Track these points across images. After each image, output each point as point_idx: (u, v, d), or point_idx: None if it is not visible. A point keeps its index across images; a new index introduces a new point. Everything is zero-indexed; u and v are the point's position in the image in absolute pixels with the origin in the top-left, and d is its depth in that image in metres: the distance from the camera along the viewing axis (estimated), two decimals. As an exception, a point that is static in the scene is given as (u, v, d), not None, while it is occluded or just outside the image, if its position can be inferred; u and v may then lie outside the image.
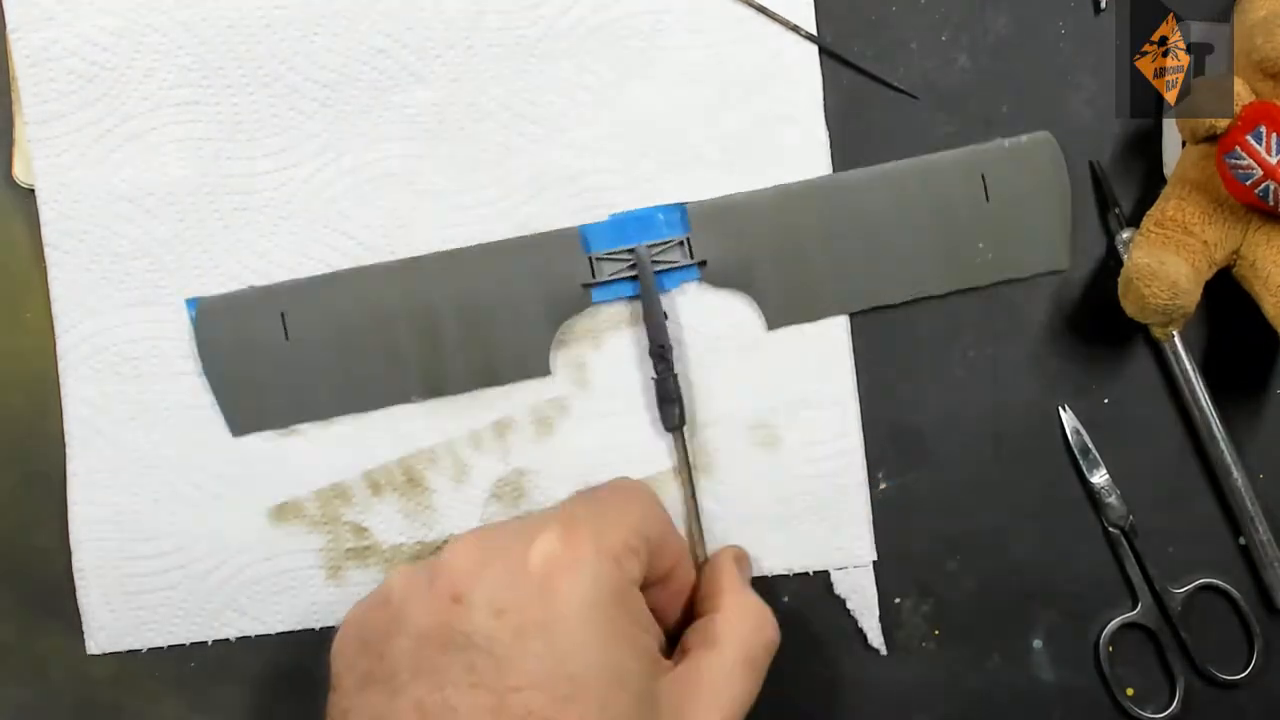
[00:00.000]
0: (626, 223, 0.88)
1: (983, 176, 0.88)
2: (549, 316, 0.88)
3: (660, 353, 0.87)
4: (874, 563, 0.88)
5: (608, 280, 0.88)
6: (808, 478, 0.88)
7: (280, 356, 0.88)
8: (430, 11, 0.87)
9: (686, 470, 0.88)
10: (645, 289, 0.87)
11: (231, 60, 0.87)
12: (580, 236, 0.88)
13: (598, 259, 0.88)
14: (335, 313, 0.88)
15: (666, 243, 0.88)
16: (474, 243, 0.88)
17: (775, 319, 0.88)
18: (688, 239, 0.88)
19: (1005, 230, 0.88)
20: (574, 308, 0.88)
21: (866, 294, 0.88)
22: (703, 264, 0.88)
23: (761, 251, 0.88)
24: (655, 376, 0.87)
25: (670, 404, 0.87)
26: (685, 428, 0.88)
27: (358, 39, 0.87)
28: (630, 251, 0.88)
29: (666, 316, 0.88)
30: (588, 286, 0.88)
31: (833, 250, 0.87)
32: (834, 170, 0.88)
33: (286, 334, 0.88)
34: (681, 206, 0.88)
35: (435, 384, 0.88)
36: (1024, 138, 0.88)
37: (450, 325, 0.87)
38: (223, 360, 0.88)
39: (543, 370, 0.88)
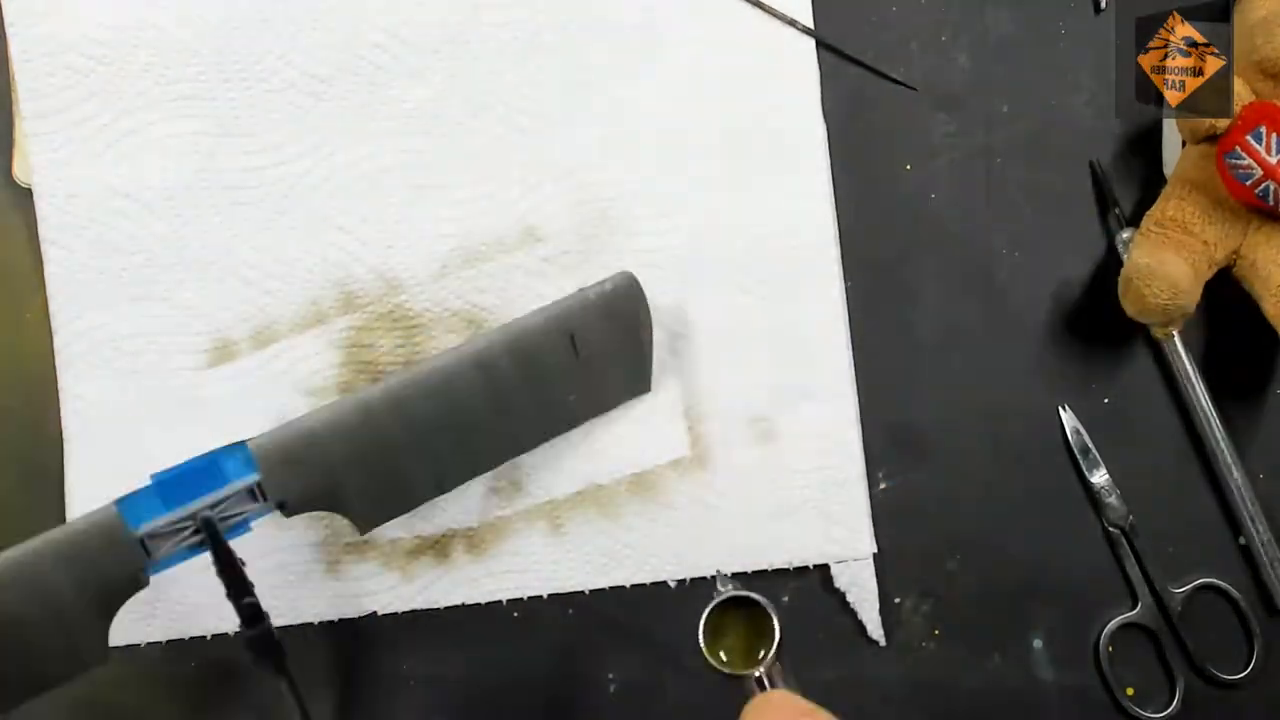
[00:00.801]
0: (174, 483, 0.76)
1: (571, 336, 0.83)
2: (99, 611, 0.77)
3: (248, 611, 0.76)
4: (874, 559, 0.88)
5: (166, 555, 0.77)
6: (806, 471, 0.88)
7: None
8: (427, 6, 0.88)
9: (301, 712, 0.80)
10: (220, 559, 0.76)
11: (228, 56, 0.87)
12: (120, 517, 0.75)
13: (150, 537, 0.75)
14: None
15: (231, 494, 0.76)
16: (457, 246, 0.88)
17: (366, 524, 0.82)
18: (258, 484, 0.77)
19: (592, 378, 0.85)
20: (129, 592, 0.77)
21: (460, 472, 0.84)
22: (283, 505, 0.78)
23: (349, 470, 0.79)
24: (248, 636, 0.76)
25: (267, 657, 0.77)
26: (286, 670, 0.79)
27: (354, 34, 0.88)
28: (192, 517, 0.76)
29: (244, 563, 0.77)
30: (143, 568, 0.77)
31: (425, 445, 0.82)
32: (831, 160, 0.88)
33: None
34: (243, 448, 0.77)
35: None
36: (608, 283, 0.84)
37: None
38: None
39: (100, 659, 0.77)
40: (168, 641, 0.88)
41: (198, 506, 0.76)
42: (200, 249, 0.88)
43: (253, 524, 0.79)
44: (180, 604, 0.88)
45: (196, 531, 0.76)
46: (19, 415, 0.89)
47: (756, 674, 0.60)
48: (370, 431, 0.80)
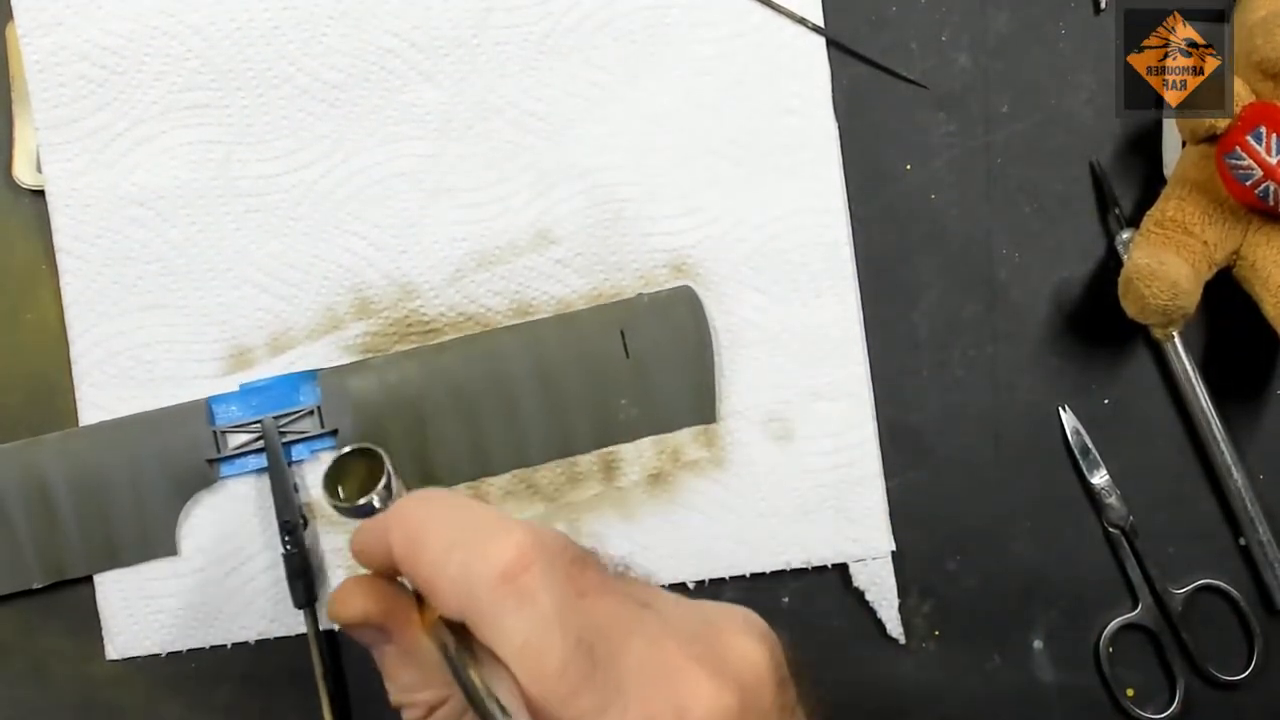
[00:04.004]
0: (258, 392, 0.87)
1: (621, 333, 0.86)
2: (173, 493, 0.87)
3: (288, 528, 0.85)
4: (891, 554, 0.88)
5: (235, 454, 0.87)
6: (823, 470, 0.88)
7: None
8: (437, 10, 0.88)
9: (318, 649, 0.86)
10: (272, 463, 0.86)
11: (240, 63, 0.88)
12: (208, 409, 0.87)
13: (223, 432, 0.86)
14: None
15: (296, 412, 0.87)
16: (471, 249, 0.88)
17: (413, 482, 0.84)
18: (318, 408, 0.87)
19: (648, 387, 0.87)
20: (199, 484, 0.87)
21: (509, 457, 0.87)
22: (335, 433, 0.87)
23: (394, 420, 0.86)
24: (284, 552, 0.86)
25: (298, 579, 0.86)
26: (316, 605, 0.87)
27: (365, 39, 0.88)
28: (259, 423, 0.87)
29: (297, 489, 0.87)
30: (214, 462, 0.87)
31: (469, 416, 0.87)
32: (842, 162, 0.89)
33: None
34: (313, 374, 0.88)
35: (55, 566, 0.87)
36: (664, 291, 0.88)
37: (67, 505, 0.86)
38: None
39: (168, 550, 0.87)
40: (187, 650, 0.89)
41: (267, 415, 0.87)
42: (215, 256, 0.88)
43: (311, 450, 0.88)
44: (201, 611, 0.88)
45: (260, 438, 0.87)
46: (20, 415, 0.89)
47: (375, 503, 0.62)
48: (417, 383, 0.87)
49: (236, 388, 0.87)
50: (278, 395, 0.87)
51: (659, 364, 0.87)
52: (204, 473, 0.87)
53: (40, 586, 0.87)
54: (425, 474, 0.87)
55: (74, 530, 0.86)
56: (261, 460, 0.86)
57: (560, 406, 0.87)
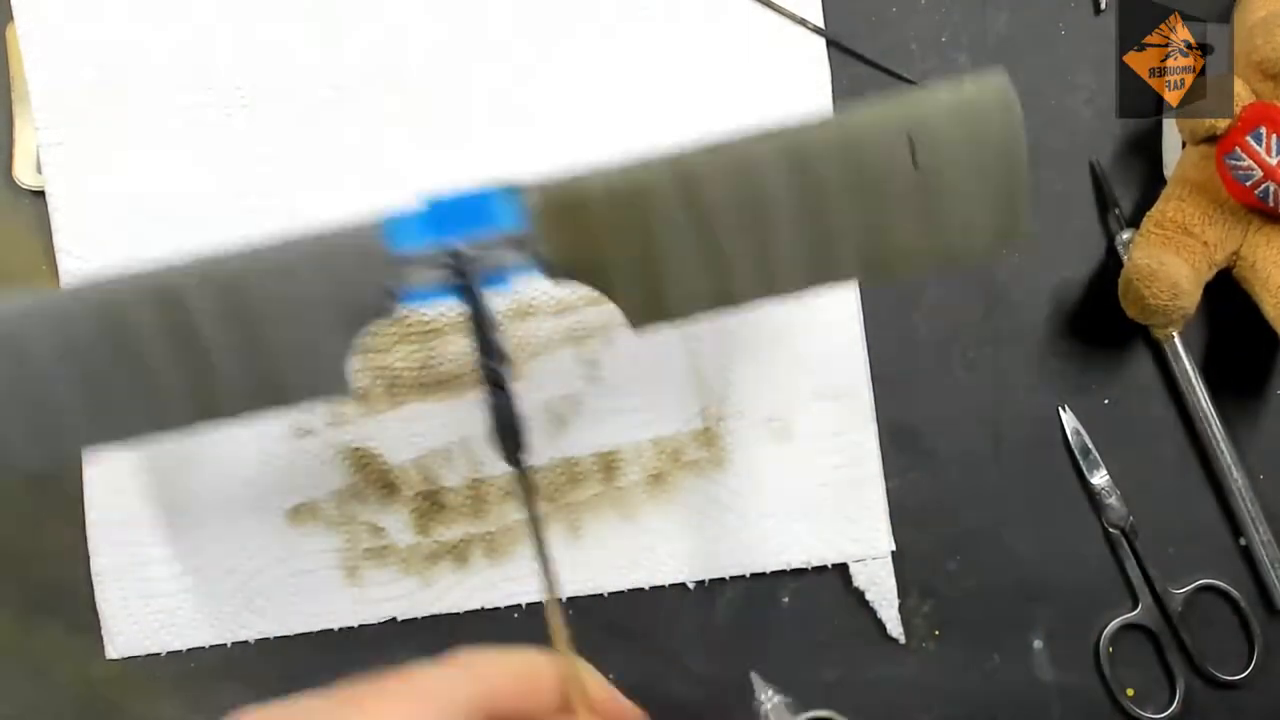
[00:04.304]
0: (449, 209, 0.67)
1: (910, 139, 0.66)
2: (345, 326, 0.67)
3: (493, 376, 0.67)
4: (891, 554, 0.88)
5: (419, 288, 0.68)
6: (823, 470, 0.88)
7: None
8: (435, 11, 0.88)
9: (533, 512, 0.69)
10: (471, 303, 0.67)
11: (241, 67, 0.88)
12: (382, 232, 0.67)
13: (405, 263, 0.67)
14: (69, 335, 0.66)
15: (495, 240, 0.67)
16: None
17: (635, 317, 0.69)
18: (524, 237, 0.67)
19: (938, 206, 0.66)
20: (376, 311, 0.67)
21: (756, 282, 0.68)
22: (544, 263, 0.67)
23: (620, 245, 0.67)
24: (491, 401, 0.67)
25: (507, 434, 0.68)
26: (532, 461, 0.75)
27: (366, 39, 0.88)
28: (452, 254, 0.67)
29: (499, 328, 0.69)
30: (392, 292, 0.67)
31: (708, 232, 0.66)
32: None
33: None
34: (516, 194, 0.67)
35: (207, 405, 0.68)
36: (968, 82, 0.66)
37: (217, 336, 0.66)
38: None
39: (340, 389, 0.69)
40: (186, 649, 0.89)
41: (462, 243, 0.67)
42: (214, 258, 0.87)
43: (510, 281, 0.68)
44: (200, 611, 0.89)
45: (448, 269, 0.67)
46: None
47: None
48: (644, 194, 0.66)
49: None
50: (467, 215, 0.67)
51: (955, 177, 0.66)
52: (383, 301, 0.67)
53: (190, 433, 0.69)
54: (651, 300, 0.69)
55: (229, 366, 0.68)
56: (449, 291, 0.68)
57: (822, 224, 0.66)
